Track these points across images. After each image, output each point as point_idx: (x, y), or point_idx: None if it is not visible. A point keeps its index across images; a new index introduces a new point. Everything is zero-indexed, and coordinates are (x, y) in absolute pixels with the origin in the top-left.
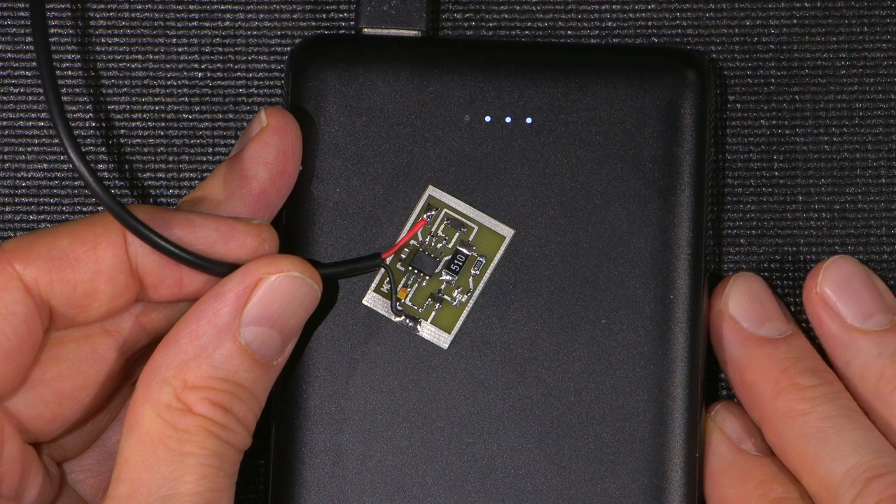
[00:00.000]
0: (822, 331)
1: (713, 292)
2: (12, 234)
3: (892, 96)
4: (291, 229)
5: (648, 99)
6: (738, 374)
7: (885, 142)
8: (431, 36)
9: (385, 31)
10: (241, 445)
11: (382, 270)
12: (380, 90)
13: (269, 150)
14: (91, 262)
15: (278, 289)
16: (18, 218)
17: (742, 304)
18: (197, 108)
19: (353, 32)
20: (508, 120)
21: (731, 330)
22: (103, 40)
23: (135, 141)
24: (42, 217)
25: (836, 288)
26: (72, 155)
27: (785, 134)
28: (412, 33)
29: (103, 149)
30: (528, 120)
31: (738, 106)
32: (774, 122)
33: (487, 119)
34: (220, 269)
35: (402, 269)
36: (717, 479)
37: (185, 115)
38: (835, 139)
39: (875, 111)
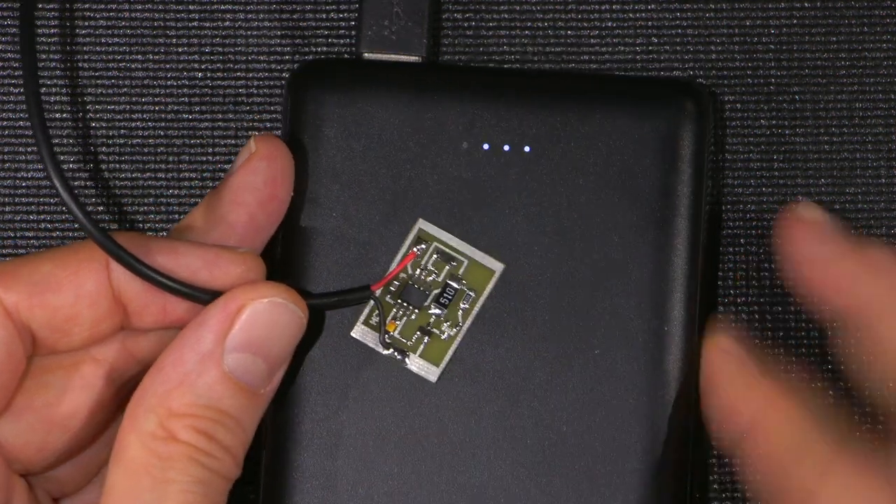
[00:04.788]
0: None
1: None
2: (12, 234)
3: (892, 96)
4: (283, 256)
5: (647, 129)
6: None
7: (885, 142)
8: (432, 62)
9: (385, 56)
10: (227, 474)
11: (372, 302)
12: (379, 115)
13: (258, 176)
14: (72, 286)
15: (261, 315)
16: (18, 218)
17: None
18: (197, 108)
19: (353, 56)
20: (506, 148)
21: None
22: (103, 40)
23: (135, 141)
24: (42, 217)
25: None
26: (55, 181)
27: (785, 134)
28: (412, 59)
29: (103, 148)
30: (527, 148)
31: (738, 106)
32: (774, 122)
33: (485, 147)
34: (204, 296)
35: (392, 301)
36: None
37: (185, 115)
38: (835, 139)
39: (875, 111)
